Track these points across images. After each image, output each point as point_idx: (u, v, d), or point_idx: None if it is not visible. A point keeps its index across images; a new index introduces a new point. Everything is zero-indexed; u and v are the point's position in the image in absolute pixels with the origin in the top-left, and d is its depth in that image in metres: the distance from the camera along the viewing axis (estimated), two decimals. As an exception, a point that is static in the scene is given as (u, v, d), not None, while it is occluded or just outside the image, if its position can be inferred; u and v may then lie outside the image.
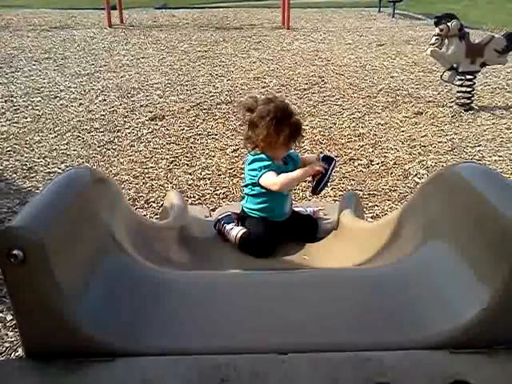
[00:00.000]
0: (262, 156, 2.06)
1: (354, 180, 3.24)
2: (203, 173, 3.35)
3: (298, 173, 2.05)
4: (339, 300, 1.17)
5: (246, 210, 2.15)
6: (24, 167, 3.41)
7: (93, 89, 5.18)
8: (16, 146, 3.75)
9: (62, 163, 3.47)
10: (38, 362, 0.95)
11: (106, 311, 1.03)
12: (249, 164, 2.10)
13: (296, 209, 2.25)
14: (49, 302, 0.93)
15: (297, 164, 2.17)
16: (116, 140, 3.89)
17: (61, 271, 0.94)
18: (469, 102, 4.50)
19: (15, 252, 0.89)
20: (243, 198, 2.21)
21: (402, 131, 4.06)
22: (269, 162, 2.04)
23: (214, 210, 2.66)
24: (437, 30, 4.32)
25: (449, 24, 4.25)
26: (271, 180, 2.02)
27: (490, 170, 1.34)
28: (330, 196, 3.04)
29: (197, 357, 0.96)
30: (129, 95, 4.98)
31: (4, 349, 1.80)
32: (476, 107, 4.55)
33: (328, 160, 2.11)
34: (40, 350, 0.96)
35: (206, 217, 2.46)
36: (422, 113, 4.48)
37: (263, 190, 2.07)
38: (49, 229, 0.95)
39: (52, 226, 0.97)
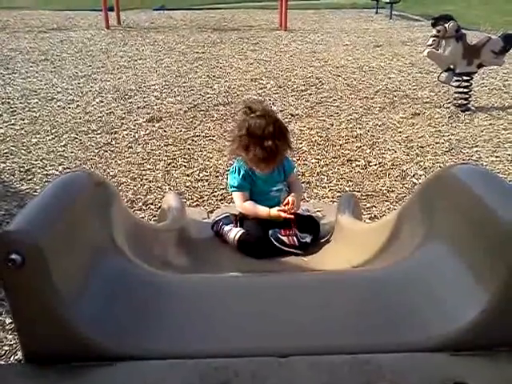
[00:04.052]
0: (239, 167, 2.08)
1: (351, 181, 3.24)
2: (201, 174, 3.35)
3: (262, 212, 2.07)
4: (338, 302, 1.17)
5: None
6: (21, 169, 3.40)
7: (90, 90, 5.17)
8: (13, 148, 3.74)
9: (59, 165, 3.47)
10: (37, 367, 0.95)
11: (105, 315, 1.03)
12: (228, 174, 2.17)
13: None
14: (47, 306, 0.93)
15: (287, 172, 2.16)
16: (113, 142, 3.89)
17: (59, 275, 0.94)
18: (466, 102, 4.51)
19: (13, 256, 0.89)
20: None
21: (400, 132, 4.07)
22: (239, 177, 2.06)
23: (212, 212, 2.66)
24: (434, 32, 4.33)
25: (446, 25, 4.25)
26: (237, 202, 2.13)
27: (487, 171, 1.35)
28: (328, 197, 3.04)
29: (197, 360, 0.96)
30: (126, 97, 4.98)
31: (3, 352, 1.79)
32: (473, 108, 4.56)
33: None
34: (39, 355, 0.96)
35: (204, 219, 2.46)
36: (419, 114, 4.49)
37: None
38: (47, 233, 0.95)
39: (50, 229, 0.96)
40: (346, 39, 7.80)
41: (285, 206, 2.05)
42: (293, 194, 2.11)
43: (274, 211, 2.05)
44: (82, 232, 1.11)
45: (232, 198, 2.95)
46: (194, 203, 2.97)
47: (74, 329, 0.95)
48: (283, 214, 2.03)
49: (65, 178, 1.19)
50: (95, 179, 1.31)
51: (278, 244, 2.02)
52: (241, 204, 2.11)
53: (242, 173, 2.07)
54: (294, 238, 2.04)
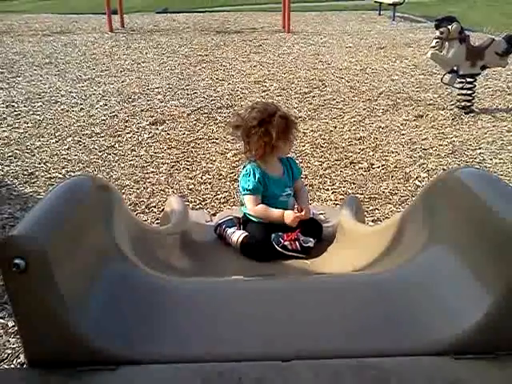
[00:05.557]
0: (254, 169, 2.07)
1: (354, 183, 3.24)
2: (204, 177, 3.35)
3: (277, 215, 2.06)
4: (342, 306, 1.17)
5: (247, 214, 2.15)
6: (25, 172, 3.41)
7: (93, 93, 5.19)
8: (17, 152, 3.76)
9: (62, 168, 3.48)
10: (40, 371, 0.95)
11: (108, 319, 1.03)
12: (241, 177, 2.14)
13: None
14: (50, 310, 0.93)
15: (295, 177, 2.18)
16: (117, 145, 3.90)
17: (62, 279, 0.94)
18: (469, 104, 4.50)
19: (17, 261, 0.89)
20: (242, 204, 2.20)
21: (403, 134, 4.06)
22: (255, 180, 2.05)
23: (214, 215, 2.66)
24: (437, 33, 4.33)
25: (449, 27, 4.25)
26: (249, 206, 2.10)
27: (489, 174, 1.35)
28: (331, 200, 3.04)
29: (201, 364, 0.96)
30: (129, 100, 4.99)
31: (6, 355, 1.79)
32: (476, 110, 4.55)
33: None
34: (42, 359, 0.96)
35: (207, 221, 2.46)
36: (422, 116, 4.48)
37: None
38: (50, 237, 0.95)
39: (53, 234, 0.97)
40: (349, 41, 7.80)
41: (299, 212, 2.05)
42: (306, 205, 2.13)
43: (288, 215, 2.04)
44: (85, 236, 1.11)
45: (235, 201, 2.96)
46: (197, 206, 2.98)
47: (78, 333, 0.95)
48: (298, 214, 2.04)
49: (68, 183, 1.20)
50: (99, 183, 1.32)
51: (279, 249, 2.02)
52: (252, 207, 2.09)
53: (257, 176, 2.07)
54: (297, 243, 2.02)
